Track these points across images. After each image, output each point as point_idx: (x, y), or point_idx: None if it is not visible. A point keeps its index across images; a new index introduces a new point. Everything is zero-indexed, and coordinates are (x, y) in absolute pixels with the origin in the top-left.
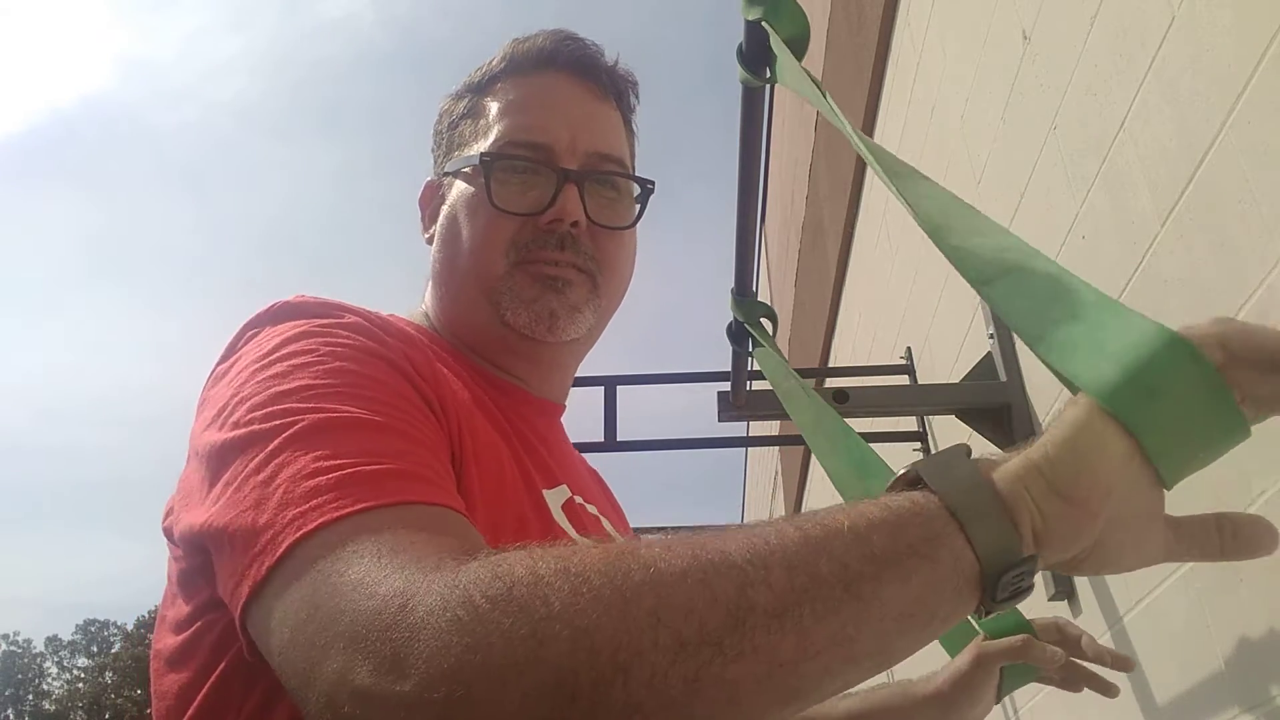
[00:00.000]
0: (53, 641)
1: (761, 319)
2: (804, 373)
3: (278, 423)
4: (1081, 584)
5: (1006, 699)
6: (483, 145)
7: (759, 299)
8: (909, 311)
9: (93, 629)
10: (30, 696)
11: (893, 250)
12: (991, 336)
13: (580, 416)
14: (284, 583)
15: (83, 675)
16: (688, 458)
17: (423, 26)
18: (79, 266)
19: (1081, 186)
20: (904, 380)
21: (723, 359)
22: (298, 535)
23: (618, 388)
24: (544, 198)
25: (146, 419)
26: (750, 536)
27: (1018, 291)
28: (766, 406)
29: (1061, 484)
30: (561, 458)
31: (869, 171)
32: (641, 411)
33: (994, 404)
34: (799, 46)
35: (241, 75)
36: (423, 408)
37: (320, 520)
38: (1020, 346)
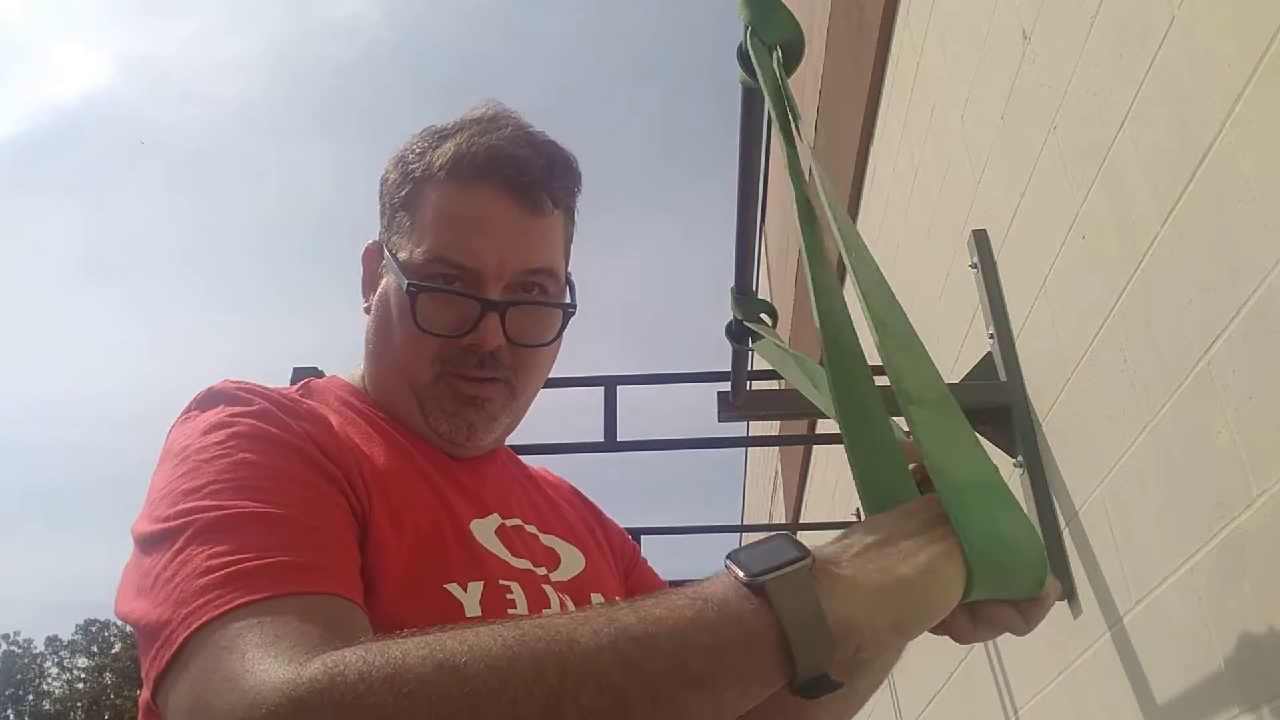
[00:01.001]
0: (53, 641)
1: (761, 315)
2: None
3: (182, 521)
4: (1081, 584)
5: (1006, 699)
6: (417, 250)
7: (759, 298)
8: (909, 311)
9: (93, 629)
10: (30, 696)
11: (893, 250)
12: (992, 337)
13: (580, 416)
14: (175, 675)
15: (83, 675)
16: (688, 458)
17: (425, 26)
18: (80, 266)
19: (1081, 186)
20: None
21: (723, 359)
22: (187, 633)
23: (618, 388)
24: (465, 322)
25: (146, 417)
26: (572, 646)
27: (937, 425)
28: (766, 406)
29: (905, 622)
30: (491, 490)
31: (869, 171)
32: (641, 411)
33: (994, 404)
34: (794, 53)
35: (244, 75)
36: (322, 488)
37: (204, 618)
38: (1020, 346)
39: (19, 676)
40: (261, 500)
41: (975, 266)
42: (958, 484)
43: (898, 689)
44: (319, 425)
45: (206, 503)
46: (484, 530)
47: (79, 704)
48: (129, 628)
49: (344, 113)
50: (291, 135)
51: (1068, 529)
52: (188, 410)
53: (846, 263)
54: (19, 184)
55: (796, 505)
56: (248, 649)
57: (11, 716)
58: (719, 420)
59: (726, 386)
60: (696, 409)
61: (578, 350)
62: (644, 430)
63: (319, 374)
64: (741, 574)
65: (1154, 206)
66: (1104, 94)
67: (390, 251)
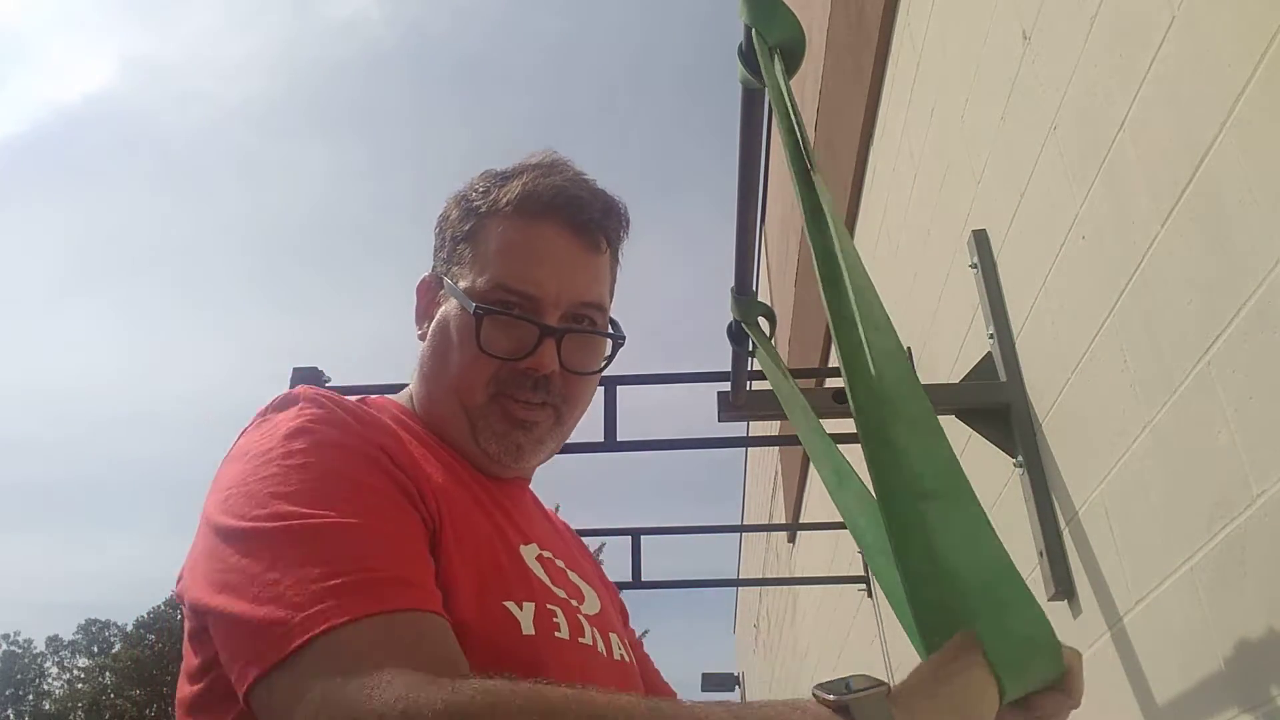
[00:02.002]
0: (53, 641)
1: (760, 318)
2: (804, 373)
3: (279, 525)
4: (1081, 584)
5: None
6: (480, 279)
7: (759, 298)
8: (909, 311)
9: (93, 629)
10: (30, 696)
11: (893, 250)
12: (991, 337)
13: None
14: (292, 675)
15: (82, 675)
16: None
17: (429, 26)
18: (79, 266)
19: (1081, 186)
20: None
21: (723, 359)
22: (306, 636)
23: (618, 388)
24: (525, 346)
25: (146, 417)
26: None
27: (951, 520)
28: (766, 406)
29: None
30: (528, 520)
31: (869, 171)
32: (641, 411)
33: (994, 404)
34: (795, 53)
35: (246, 75)
36: (402, 503)
37: (325, 624)
38: (1020, 346)
39: (19, 676)
40: (356, 512)
41: (975, 266)
42: (971, 591)
43: None
44: (390, 437)
45: (303, 509)
46: (529, 555)
47: (79, 704)
48: (128, 625)
49: (345, 113)
50: (293, 135)
51: (1068, 529)
52: (264, 413)
53: (862, 336)
54: (21, 184)
55: (796, 505)
56: (384, 661)
57: (11, 716)
58: (719, 420)
59: (726, 386)
60: (696, 409)
61: None
62: (644, 430)
63: (319, 374)
64: (831, 697)
65: (1154, 206)
66: (1104, 94)
67: (451, 280)
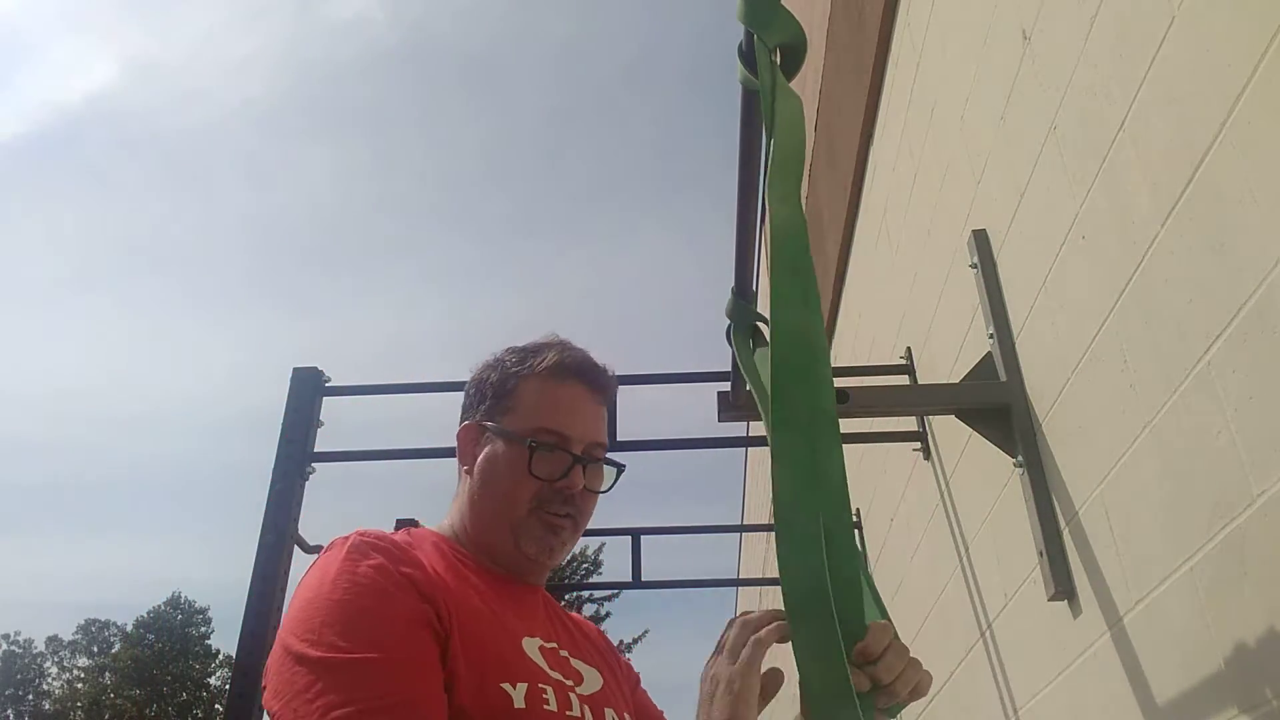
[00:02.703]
0: (53, 641)
1: (757, 324)
2: None
3: (321, 655)
4: (1081, 584)
5: (1006, 699)
6: (524, 422)
7: (758, 299)
8: (909, 311)
9: (93, 629)
10: (30, 696)
11: (893, 250)
12: (991, 336)
13: None
14: None
15: (83, 675)
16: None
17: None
18: (81, 266)
19: (1081, 186)
20: (904, 380)
21: (723, 359)
22: None
23: (618, 387)
24: (560, 470)
25: (146, 417)
26: None
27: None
28: None
29: None
30: (534, 618)
31: (869, 171)
32: (641, 411)
33: (994, 404)
34: (796, 54)
35: (249, 76)
36: (424, 629)
37: None
38: (1020, 346)
39: (19, 676)
40: (379, 646)
41: (975, 266)
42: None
43: None
44: (418, 568)
45: (340, 643)
46: (531, 646)
47: (79, 704)
48: (128, 625)
49: (347, 113)
50: (295, 136)
51: (1068, 529)
52: (328, 549)
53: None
54: (24, 184)
55: None
56: None
57: (11, 716)
58: (719, 420)
59: (726, 386)
60: (696, 409)
61: None
62: (644, 430)
63: (319, 374)
64: None
65: (1154, 206)
66: (1104, 94)
67: (496, 425)
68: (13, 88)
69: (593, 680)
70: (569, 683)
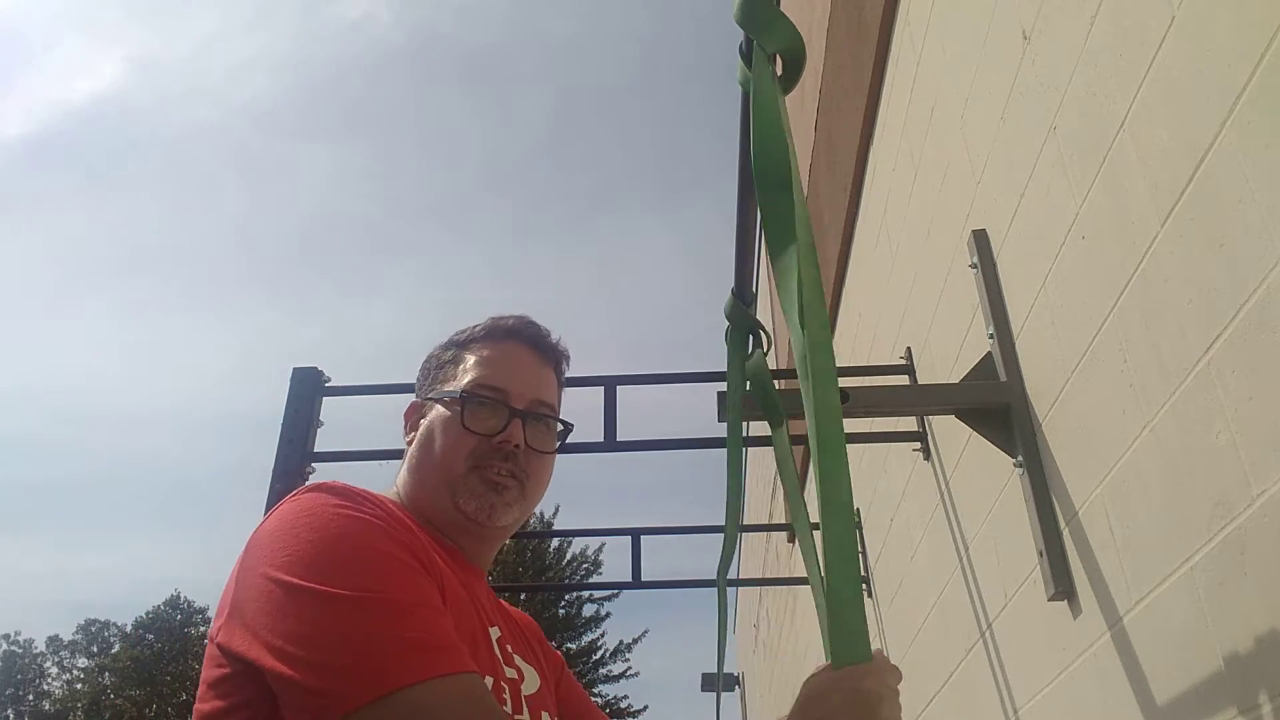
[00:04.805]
0: (53, 641)
1: (757, 330)
2: None
3: (349, 592)
4: (1081, 584)
5: (1006, 699)
6: (461, 383)
7: (757, 299)
8: (909, 311)
9: (93, 629)
10: (30, 696)
11: (892, 250)
12: (991, 336)
13: (580, 416)
14: (389, 713)
15: (82, 675)
16: (688, 458)
17: (435, 26)
18: (84, 266)
19: (1081, 186)
20: (904, 380)
21: (723, 359)
22: (399, 683)
23: (618, 388)
24: (498, 425)
25: (146, 417)
26: None
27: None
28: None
29: None
30: (488, 605)
31: (869, 171)
32: (641, 411)
33: (994, 404)
34: (794, 62)
35: (253, 76)
36: (432, 584)
37: (415, 677)
38: (1020, 346)
39: (19, 676)
40: (409, 592)
41: (975, 266)
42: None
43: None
44: (406, 530)
45: (365, 580)
46: (494, 636)
47: (79, 704)
48: (128, 625)
49: (349, 113)
50: (297, 136)
51: (1068, 529)
52: (308, 490)
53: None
54: (29, 184)
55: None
56: (464, 708)
57: (11, 716)
58: (719, 420)
59: (726, 386)
60: (696, 409)
61: (578, 350)
62: (644, 430)
63: (319, 374)
64: None
65: (1154, 206)
66: (1104, 94)
67: (434, 394)
68: (18, 88)
69: (532, 680)
70: (519, 683)
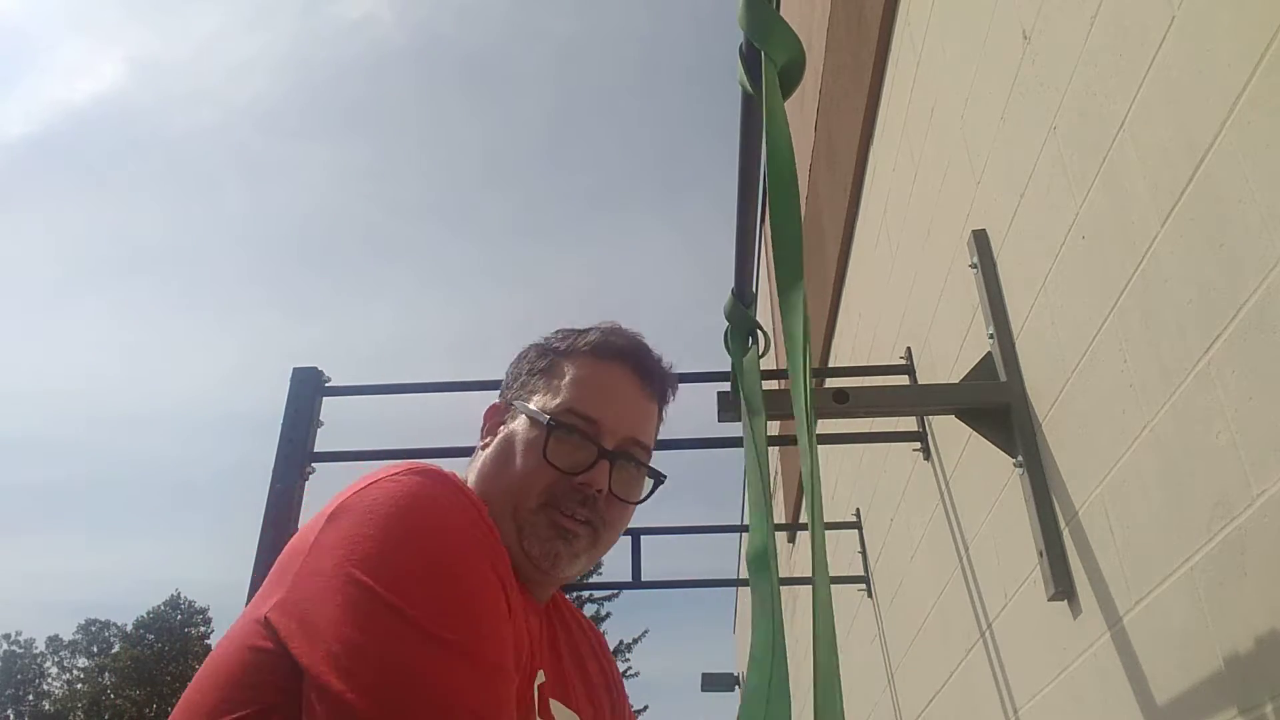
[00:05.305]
0: (53, 641)
1: (756, 331)
2: None
3: (441, 634)
4: (1081, 584)
5: (1006, 699)
6: (552, 401)
7: (757, 299)
8: (909, 311)
9: (93, 629)
10: (30, 696)
11: (893, 250)
12: (991, 336)
13: None
14: None
15: (82, 675)
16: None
17: (437, 25)
18: (86, 265)
19: (1081, 186)
20: (904, 380)
21: (723, 359)
22: None
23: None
24: (583, 462)
25: (146, 417)
26: None
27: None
28: (766, 406)
29: None
30: (545, 645)
31: (869, 171)
32: None
33: (994, 404)
34: (793, 71)
35: (255, 76)
36: (510, 632)
37: None
38: (1020, 346)
39: (19, 676)
40: (495, 652)
41: (975, 266)
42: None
43: (897, 689)
44: (503, 557)
45: (460, 623)
46: (535, 683)
47: (79, 704)
48: (128, 625)
49: (351, 113)
50: (298, 136)
51: (1068, 529)
52: (415, 473)
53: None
54: (31, 184)
55: (796, 505)
56: None
57: (11, 716)
58: (719, 420)
59: (726, 386)
60: (696, 409)
61: None
62: None
63: (319, 374)
64: None
65: (1154, 206)
66: (1104, 94)
67: (523, 403)
68: (20, 88)
69: None
70: None
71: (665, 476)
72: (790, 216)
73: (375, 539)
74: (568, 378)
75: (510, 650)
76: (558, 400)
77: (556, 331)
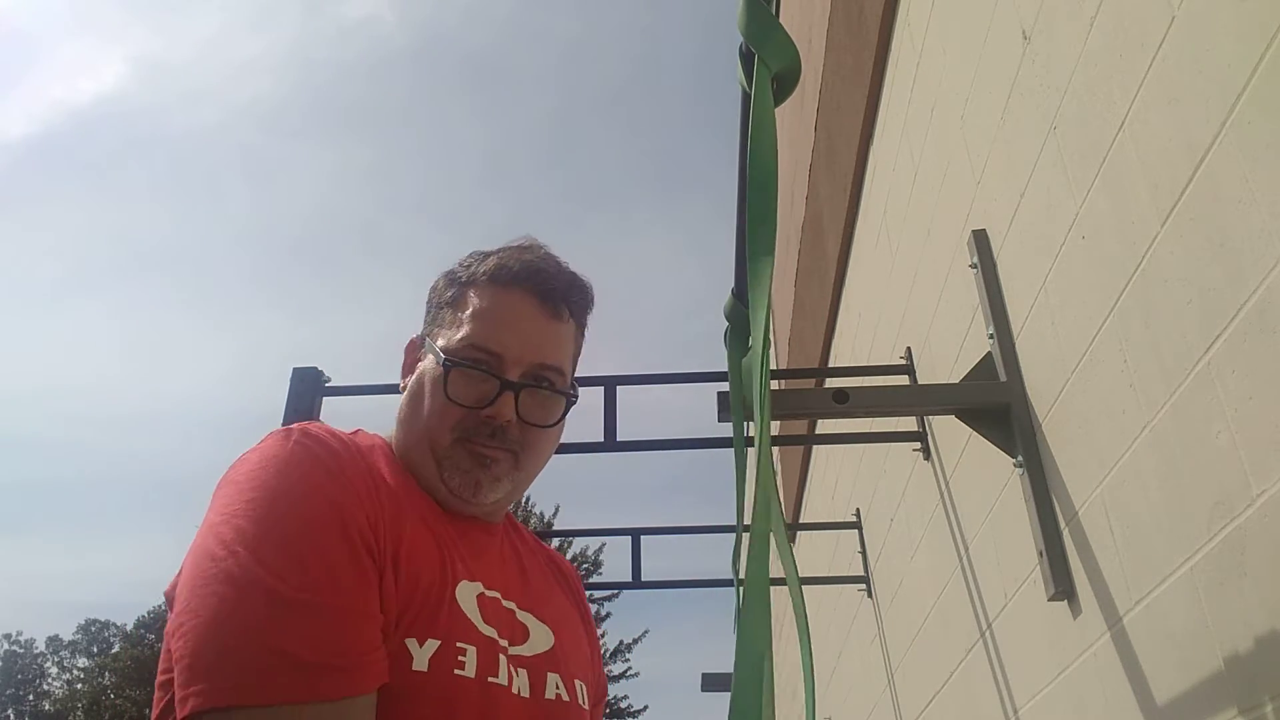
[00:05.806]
0: (53, 641)
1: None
2: (803, 373)
3: (244, 574)
4: (1081, 584)
5: (1006, 699)
6: (455, 335)
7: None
8: (909, 311)
9: (93, 629)
10: (30, 696)
11: (892, 250)
12: (991, 336)
13: (580, 416)
14: None
15: (82, 675)
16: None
17: (439, 25)
18: (86, 266)
19: (1081, 186)
20: (904, 380)
21: (723, 359)
22: (229, 702)
23: (618, 388)
24: (486, 395)
25: (146, 417)
26: None
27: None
28: None
29: None
30: (481, 560)
31: (869, 171)
32: (641, 411)
33: (994, 404)
34: (788, 78)
35: (257, 76)
36: (365, 566)
37: (256, 700)
38: (1020, 346)
39: (19, 676)
40: (318, 585)
41: (975, 266)
42: None
43: (897, 689)
44: (364, 476)
45: (266, 574)
46: (466, 593)
47: (79, 704)
48: (128, 625)
49: (350, 114)
50: (300, 136)
51: (1068, 529)
52: (281, 436)
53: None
54: (33, 184)
55: (796, 505)
56: None
57: (11, 716)
58: (719, 420)
59: (726, 386)
60: (696, 409)
61: None
62: (644, 430)
63: (319, 374)
64: None
65: (1154, 206)
66: (1104, 94)
67: (431, 340)
68: (21, 88)
69: (541, 639)
70: (503, 642)
71: (576, 396)
72: (766, 213)
73: (217, 508)
74: (469, 309)
75: (349, 588)
76: (460, 334)
77: (467, 255)
